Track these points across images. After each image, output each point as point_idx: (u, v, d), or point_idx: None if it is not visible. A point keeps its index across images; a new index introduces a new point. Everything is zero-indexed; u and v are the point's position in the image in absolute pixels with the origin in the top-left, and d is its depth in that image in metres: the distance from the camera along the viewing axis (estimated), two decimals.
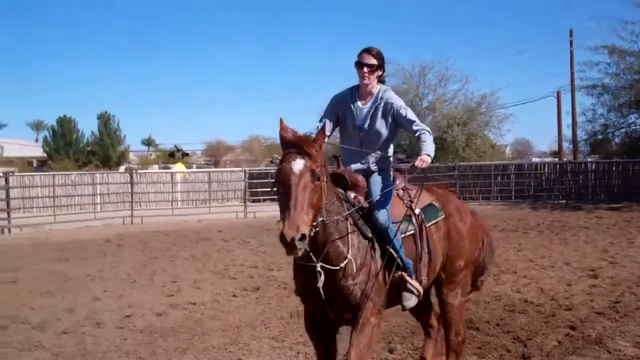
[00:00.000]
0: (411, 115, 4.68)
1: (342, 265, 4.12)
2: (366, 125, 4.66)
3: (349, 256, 4.14)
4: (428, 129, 4.60)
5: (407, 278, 4.47)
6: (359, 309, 4.17)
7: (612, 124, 31.47)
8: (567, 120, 35.03)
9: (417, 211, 4.73)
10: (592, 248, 13.52)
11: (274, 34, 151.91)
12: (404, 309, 4.60)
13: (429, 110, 37.38)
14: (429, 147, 4.45)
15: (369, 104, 4.69)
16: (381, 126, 4.67)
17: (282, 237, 3.55)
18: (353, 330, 4.20)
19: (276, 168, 3.94)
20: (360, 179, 4.57)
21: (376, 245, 4.38)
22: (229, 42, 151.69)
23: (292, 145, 3.88)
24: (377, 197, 4.48)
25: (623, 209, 23.10)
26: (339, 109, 4.71)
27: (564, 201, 26.69)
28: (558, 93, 35.55)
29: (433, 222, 4.87)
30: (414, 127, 4.61)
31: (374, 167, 4.75)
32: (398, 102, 4.72)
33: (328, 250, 4.08)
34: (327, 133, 4.46)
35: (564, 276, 10.35)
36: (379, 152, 4.71)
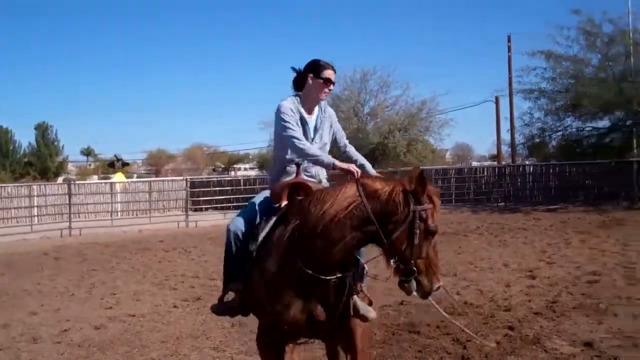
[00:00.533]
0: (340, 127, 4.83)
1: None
2: (316, 137, 4.61)
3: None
4: None
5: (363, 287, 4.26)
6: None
7: (548, 128, 32.23)
8: (506, 125, 35.92)
9: None
10: (530, 249, 13.85)
11: (214, 38, 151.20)
12: (365, 320, 4.14)
13: (370, 116, 37.82)
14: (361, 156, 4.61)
15: (314, 115, 4.65)
16: (327, 138, 4.67)
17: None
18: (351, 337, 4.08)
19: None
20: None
21: None
22: (167, 47, 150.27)
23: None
24: None
25: (560, 210, 23.75)
26: (297, 121, 4.50)
27: (503, 204, 27.31)
28: (497, 98, 36.38)
29: None
30: (345, 139, 4.77)
31: (323, 179, 4.73)
32: (334, 114, 4.81)
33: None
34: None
35: (502, 277, 10.57)
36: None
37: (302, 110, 4.55)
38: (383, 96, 38.40)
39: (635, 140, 29.84)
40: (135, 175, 65.79)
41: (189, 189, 27.06)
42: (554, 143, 32.95)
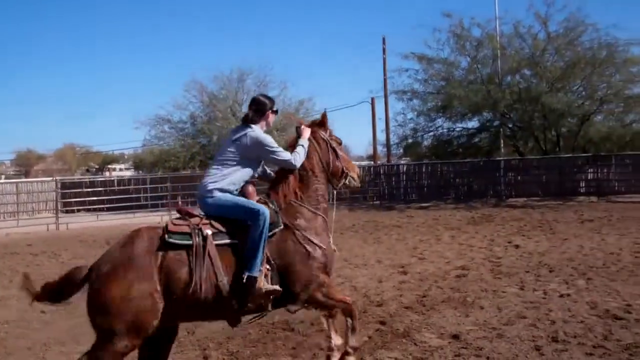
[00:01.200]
0: None
1: None
2: None
3: None
4: None
5: None
6: None
7: (421, 128, 33.14)
8: (381, 125, 36.76)
9: None
10: (403, 246, 14.20)
11: (84, 33, 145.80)
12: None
13: None
14: None
15: None
16: None
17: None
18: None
19: None
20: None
21: None
22: (37, 42, 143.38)
23: None
24: None
25: (432, 208, 24.61)
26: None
27: (378, 202, 27.97)
28: (372, 99, 37.16)
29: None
30: None
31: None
32: None
33: None
34: None
35: (376, 274, 10.75)
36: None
37: None
38: None
39: (502, 140, 31.58)
40: (2, 177, 62.47)
41: (59, 190, 25.79)
42: (426, 143, 33.95)
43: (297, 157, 5.47)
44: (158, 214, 24.01)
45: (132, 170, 67.77)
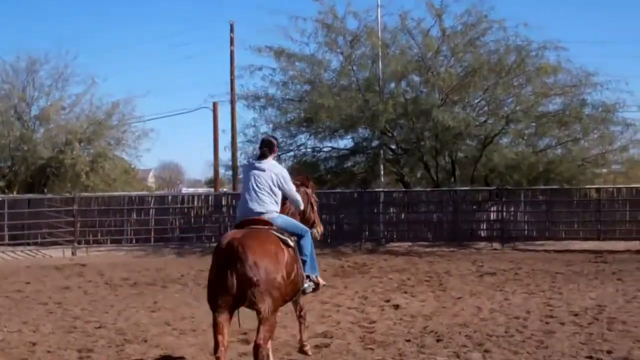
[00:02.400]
0: None
1: None
2: None
3: None
4: None
5: None
6: None
7: (279, 146, 32.72)
8: (225, 140, 36.45)
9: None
10: None
11: None
12: None
13: (39, 120, 36.09)
14: None
15: None
16: None
17: None
18: None
19: None
20: None
21: None
22: None
23: None
24: None
25: None
26: None
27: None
28: (214, 105, 36.97)
29: None
30: None
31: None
32: None
33: None
34: None
35: (208, 343, 10.54)
36: None
37: None
38: (58, 93, 37.07)
39: (382, 166, 32.05)
40: None
41: None
42: (285, 166, 33.81)
43: (300, 200, 9.42)
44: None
45: None
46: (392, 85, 30.85)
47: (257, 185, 8.67)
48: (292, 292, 8.54)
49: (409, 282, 17.20)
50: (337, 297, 14.97)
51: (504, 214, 28.47)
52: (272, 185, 8.71)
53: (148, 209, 29.27)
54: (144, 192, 36.77)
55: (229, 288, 7.57)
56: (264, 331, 7.68)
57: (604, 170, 31.34)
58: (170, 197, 32.29)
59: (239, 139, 34.64)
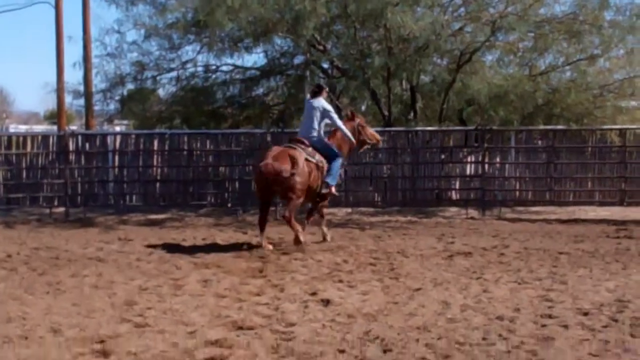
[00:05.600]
0: None
1: None
2: None
3: None
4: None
5: None
6: None
7: (154, 63, 31.96)
8: (75, 54, 36.38)
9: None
10: (106, 299, 14.07)
11: None
12: None
13: None
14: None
15: None
16: None
17: None
18: None
19: None
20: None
21: None
22: None
23: None
24: None
25: (170, 223, 25.66)
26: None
27: (63, 209, 27.63)
28: None
29: None
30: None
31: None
32: None
33: None
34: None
35: (47, 355, 10.60)
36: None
37: None
38: None
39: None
40: None
41: None
42: (163, 93, 34.12)
43: (340, 122, 21.07)
44: None
45: None
46: None
47: (306, 116, 20.38)
48: (312, 190, 19.78)
49: (346, 266, 17.12)
50: (240, 287, 14.89)
51: (486, 166, 28.33)
52: (318, 117, 20.03)
53: None
54: None
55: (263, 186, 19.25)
56: (287, 210, 19.22)
57: (633, 104, 31.59)
58: None
59: (96, 51, 34.46)
